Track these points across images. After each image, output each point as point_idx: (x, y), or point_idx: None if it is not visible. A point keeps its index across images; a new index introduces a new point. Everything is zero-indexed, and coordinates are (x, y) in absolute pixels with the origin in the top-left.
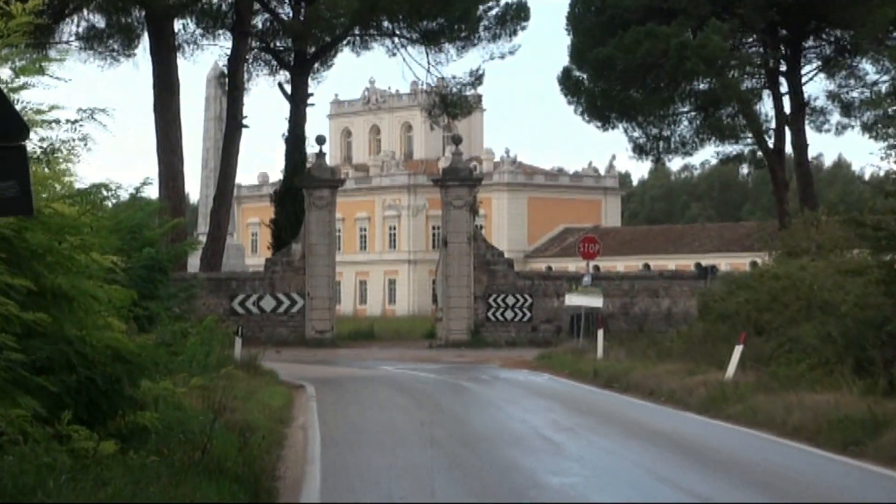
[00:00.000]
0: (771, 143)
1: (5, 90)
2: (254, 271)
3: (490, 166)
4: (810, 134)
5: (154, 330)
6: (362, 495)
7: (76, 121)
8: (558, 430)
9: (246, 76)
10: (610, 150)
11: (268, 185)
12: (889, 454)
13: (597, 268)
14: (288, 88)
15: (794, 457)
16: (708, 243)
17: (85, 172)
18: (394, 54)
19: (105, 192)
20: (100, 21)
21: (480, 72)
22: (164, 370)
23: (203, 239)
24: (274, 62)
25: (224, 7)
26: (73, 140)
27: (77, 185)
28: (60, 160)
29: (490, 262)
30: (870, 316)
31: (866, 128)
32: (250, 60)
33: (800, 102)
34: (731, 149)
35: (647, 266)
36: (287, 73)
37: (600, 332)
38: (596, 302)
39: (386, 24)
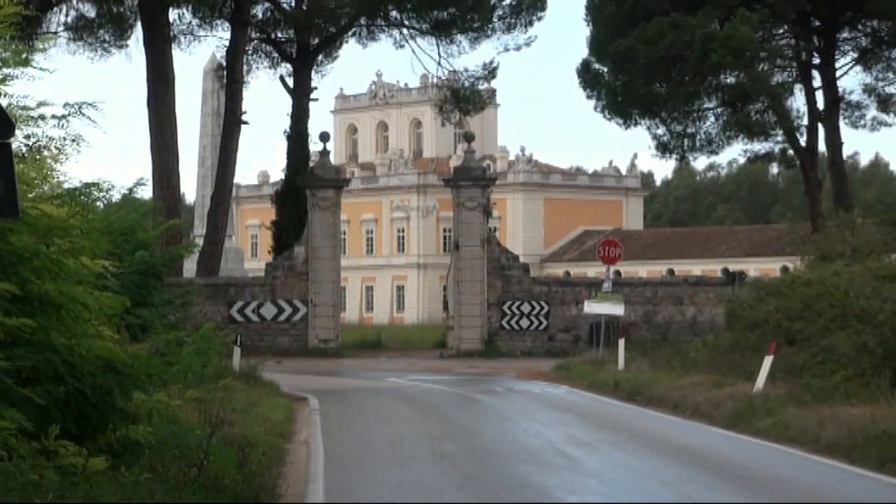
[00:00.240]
0: (803, 140)
1: None
2: (253, 276)
3: (504, 165)
4: (845, 130)
5: (147, 339)
6: None
7: (63, 116)
8: (576, 445)
9: (245, 69)
10: (632, 147)
11: (268, 185)
12: None
13: (618, 273)
14: (290, 82)
15: (828, 474)
16: (736, 247)
17: (74, 171)
18: (402, 46)
19: (96, 193)
20: (90, 10)
21: (494, 64)
22: (157, 381)
23: (200, 242)
24: (275, 54)
25: None
26: (62, 137)
27: (66, 185)
28: (48, 158)
29: (504, 267)
30: None
31: None
32: (250, 52)
33: (834, 97)
34: (760, 147)
35: (671, 271)
36: (289, 66)
37: (621, 342)
38: (617, 310)
39: (394, 13)
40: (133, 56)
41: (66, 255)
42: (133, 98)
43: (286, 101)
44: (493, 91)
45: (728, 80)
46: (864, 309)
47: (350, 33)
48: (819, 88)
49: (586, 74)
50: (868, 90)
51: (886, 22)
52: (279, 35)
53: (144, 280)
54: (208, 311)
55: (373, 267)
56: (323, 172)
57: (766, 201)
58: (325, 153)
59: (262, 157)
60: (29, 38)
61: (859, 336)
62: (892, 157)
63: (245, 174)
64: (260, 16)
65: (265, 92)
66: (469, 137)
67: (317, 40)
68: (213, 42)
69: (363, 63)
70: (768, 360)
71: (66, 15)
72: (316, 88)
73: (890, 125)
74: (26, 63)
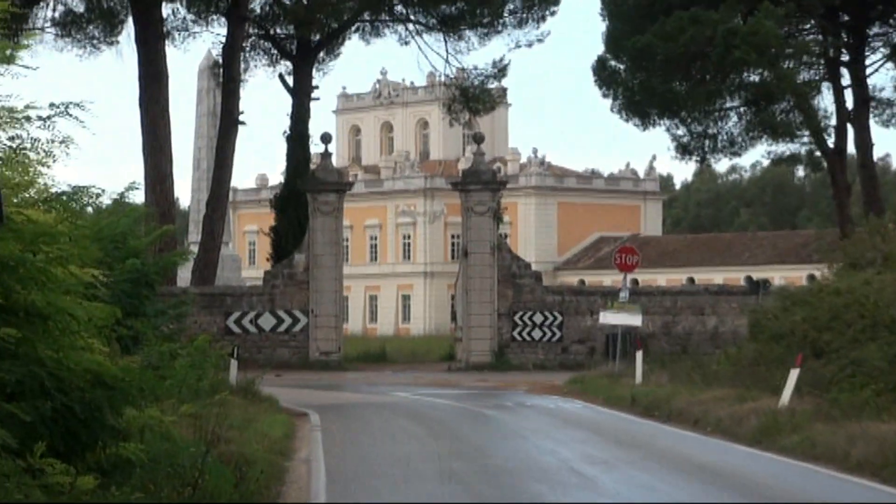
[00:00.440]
0: (831, 141)
1: None
2: (251, 285)
3: (516, 168)
4: (876, 131)
5: (139, 351)
6: None
7: (48, 117)
8: (592, 464)
9: (243, 67)
10: (650, 149)
11: (267, 189)
12: None
13: (635, 282)
14: (290, 80)
15: (858, 494)
16: (760, 254)
17: (62, 175)
18: (407, 43)
19: (85, 197)
20: (78, 5)
21: (505, 62)
22: (150, 396)
23: (195, 249)
24: (274, 51)
25: None
26: (49, 139)
27: (53, 189)
28: (34, 161)
29: (516, 276)
30: None
31: None
32: (248, 49)
33: (864, 96)
34: (785, 148)
35: (691, 280)
36: (289, 64)
37: (639, 354)
38: (634, 320)
39: (399, 8)
40: (124, 53)
41: (54, 263)
42: (124, 98)
43: (286, 101)
44: (504, 90)
45: (752, 78)
46: None
47: (353, 29)
48: (848, 86)
49: (602, 72)
50: None
51: None
52: (278, 31)
53: (136, 289)
54: (204, 321)
55: (377, 275)
56: (324, 175)
57: (791, 206)
58: (326, 155)
59: (260, 160)
60: (14, 34)
61: (891, 348)
62: None
63: (242, 178)
64: (258, 11)
65: (264, 91)
66: (478, 139)
67: (318, 36)
68: (209, 38)
69: (367, 60)
70: (794, 374)
71: (54, 10)
72: (317, 87)
73: None
74: (10, 60)
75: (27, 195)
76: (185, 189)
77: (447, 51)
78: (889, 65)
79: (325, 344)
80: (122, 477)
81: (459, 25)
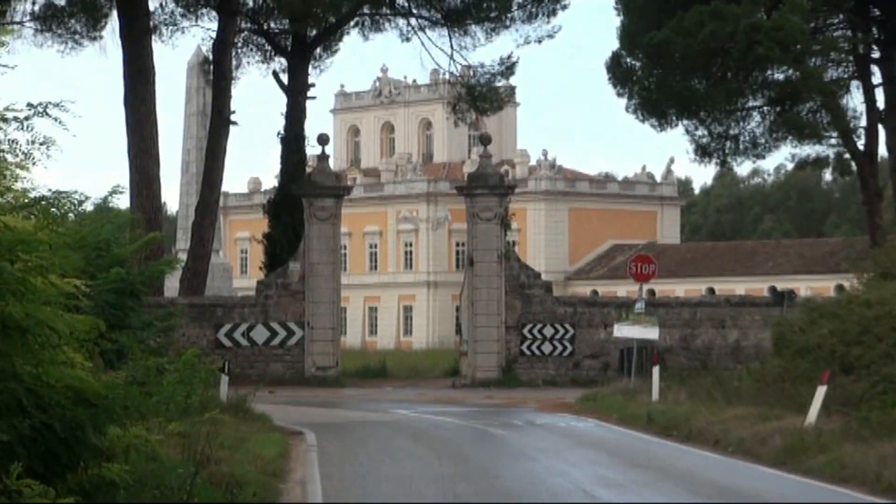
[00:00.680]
0: (860, 143)
1: None
2: (243, 296)
3: (524, 171)
4: None
5: (124, 366)
6: None
7: (26, 118)
8: (606, 487)
9: (234, 63)
10: (667, 151)
11: (260, 194)
12: None
13: (651, 292)
14: (284, 78)
15: None
16: (784, 263)
17: (42, 179)
18: (409, 38)
19: (66, 203)
20: None
21: (513, 59)
22: (135, 414)
23: (183, 257)
24: (268, 47)
25: None
26: (29, 141)
27: (32, 194)
28: (12, 165)
29: (524, 286)
30: None
31: None
32: (239, 45)
33: (895, 95)
34: (811, 150)
35: (711, 290)
36: (283, 60)
37: (656, 370)
38: (650, 333)
39: (401, 1)
40: (108, 49)
41: (33, 272)
42: (109, 96)
43: (280, 100)
44: (512, 88)
45: (776, 76)
46: None
47: (352, 24)
48: (879, 85)
49: (617, 70)
50: None
51: None
52: (272, 25)
53: (121, 300)
54: (192, 334)
55: (377, 285)
56: (321, 179)
57: (818, 212)
58: (323, 158)
59: (253, 163)
60: None
61: None
62: None
63: (234, 181)
64: (251, 4)
65: (256, 89)
66: (485, 140)
67: (314, 31)
68: (199, 33)
69: (366, 57)
70: (821, 391)
71: (33, 3)
72: (313, 85)
73: None
74: None
75: (4, 200)
76: (172, 193)
77: (452, 47)
78: None
79: (322, 358)
80: (104, 499)
81: (465, 20)
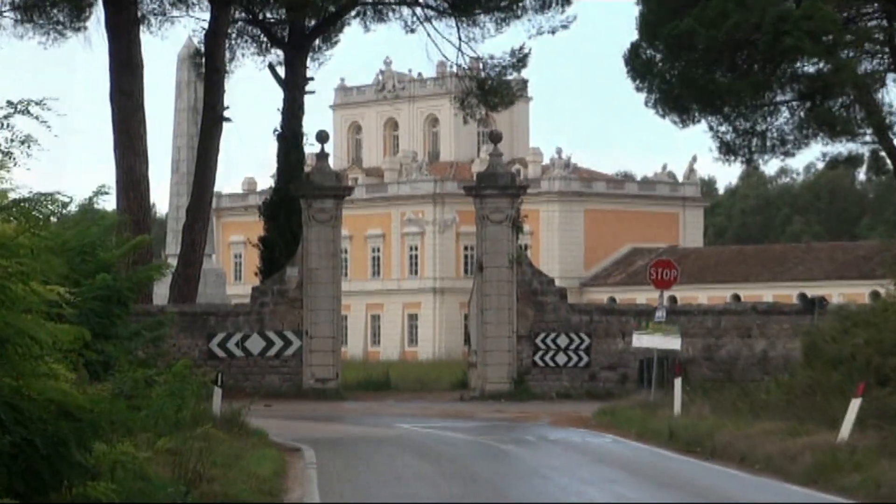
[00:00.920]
0: None
1: None
2: (237, 303)
3: (537, 170)
4: None
5: (110, 378)
6: None
7: (6, 116)
8: None
9: (228, 56)
10: (689, 149)
11: (255, 194)
12: None
13: (673, 299)
14: (281, 71)
15: None
16: (815, 268)
17: (23, 179)
18: (413, 29)
19: (49, 205)
20: None
21: (525, 51)
22: (122, 429)
23: (173, 262)
24: (263, 38)
25: None
26: (9, 139)
27: (12, 196)
28: None
29: (537, 293)
30: None
31: None
32: (233, 36)
33: None
34: (843, 148)
35: (736, 297)
36: (280, 52)
37: (677, 382)
38: (672, 343)
39: None
40: (93, 40)
41: (13, 279)
42: (94, 91)
43: (276, 95)
44: (524, 82)
45: (806, 69)
46: None
47: (353, 13)
48: None
49: (636, 62)
50: None
51: None
52: (268, 15)
53: (107, 308)
54: (184, 344)
55: (380, 292)
56: (320, 179)
57: (851, 213)
58: (322, 156)
59: (247, 162)
60: None
61: None
62: None
63: (228, 181)
64: None
65: (251, 84)
66: (495, 137)
67: (313, 21)
68: (190, 24)
69: (368, 49)
70: (855, 404)
71: None
72: (312, 79)
73: None
74: None
75: None
76: (162, 194)
77: (460, 38)
78: None
79: (321, 370)
80: None
81: (473, 9)
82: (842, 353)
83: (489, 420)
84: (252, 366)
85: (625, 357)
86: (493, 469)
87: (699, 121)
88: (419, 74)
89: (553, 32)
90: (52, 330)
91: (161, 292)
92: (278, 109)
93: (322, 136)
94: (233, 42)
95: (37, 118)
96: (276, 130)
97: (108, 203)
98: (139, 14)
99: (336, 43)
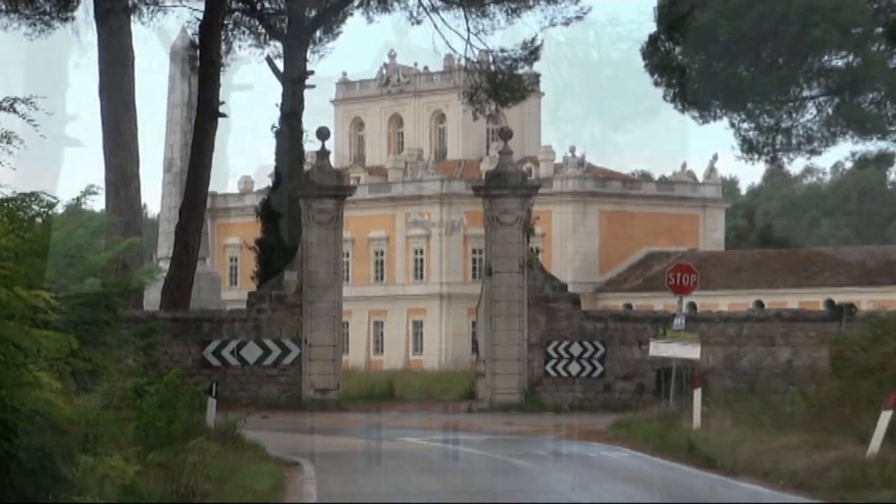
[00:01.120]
0: None
1: None
2: (233, 309)
3: (549, 169)
4: None
5: (98, 388)
6: None
7: None
8: None
9: (223, 48)
10: (711, 147)
11: (252, 194)
12: None
13: (692, 306)
14: (280, 64)
15: None
16: (843, 274)
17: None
18: (419, 20)
19: (34, 205)
20: None
21: (537, 43)
22: (110, 442)
23: (165, 265)
24: (261, 29)
25: None
26: None
27: None
28: None
29: (549, 299)
30: None
31: None
32: (230, 27)
33: None
34: (874, 147)
35: (759, 304)
36: (279, 45)
37: (697, 393)
38: (691, 352)
39: None
40: (82, 32)
41: None
42: (82, 85)
43: (275, 89)
44: (536, 76)
45: (834, 63)
46: None
47: (355, 3)
48: None
49: (654, 55)
50: None
51: None
52: (266, 5)
53: (95, 314)
54: (176, 352)
55: (383, 298)
56: (321, 178)
57: (881, 215)
58: (323, 154)
59: (244, 160)
60: None
61: None
62: None
63: (223, 181)
64: None
65: (248, 77)
66: (505, 135)
67: (313, 12)
68: (184, 14)
69: (372, 41)
70: (886, 416)
71: None
72: (312, 73)
73: None
74: None
75: None
76: (154, 194)
77: (468, 29)
78: None
79: (321, 380)
80: None
81: None
82: (871, 362)
83: (498, 433)
84: (248, 375)
85: (641, 367)
86: (503, 485)
87: (721, 117)
88: (425, 68)
89: (567, 24)
90: (37, 337)
91: (152, 297)
92: (277, 105)
93: (323, 133)
94: (229, 34)
95: (21, 116)
96: (274, 127)
97: (97, 203)
98: (130, 3)
99: (337, 34)
